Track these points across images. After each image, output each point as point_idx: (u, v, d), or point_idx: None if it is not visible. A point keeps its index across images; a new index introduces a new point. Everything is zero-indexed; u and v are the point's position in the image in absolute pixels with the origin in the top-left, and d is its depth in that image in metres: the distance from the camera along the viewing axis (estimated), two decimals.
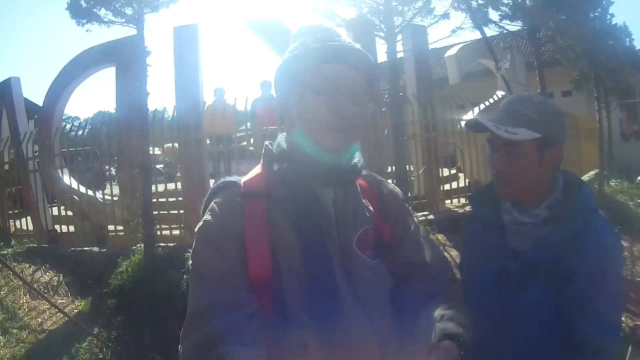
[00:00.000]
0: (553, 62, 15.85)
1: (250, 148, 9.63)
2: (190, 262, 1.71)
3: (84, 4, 7.28)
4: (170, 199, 8.83)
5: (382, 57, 9.82)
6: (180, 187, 8.93)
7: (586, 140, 15.27)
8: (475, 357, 1.66)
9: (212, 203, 1.73)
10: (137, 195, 7.81)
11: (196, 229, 1.72)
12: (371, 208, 1.87)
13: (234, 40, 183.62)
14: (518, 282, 2.07)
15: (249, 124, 10.15)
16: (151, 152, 9.52)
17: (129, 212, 8.48)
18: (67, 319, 6.25)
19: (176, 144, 9.29)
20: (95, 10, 7.26)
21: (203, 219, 1.72)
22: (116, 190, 9.85)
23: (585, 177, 14.25)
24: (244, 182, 1.77)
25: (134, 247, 7.42)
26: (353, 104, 1.68)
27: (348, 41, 1.77)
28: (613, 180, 14.91)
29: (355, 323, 1.61)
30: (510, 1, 9.39)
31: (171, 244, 7.59)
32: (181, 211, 8.60)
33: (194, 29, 8.70)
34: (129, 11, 7.12)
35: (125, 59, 8.34)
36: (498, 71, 9.58)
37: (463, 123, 10.36)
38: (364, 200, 1.86)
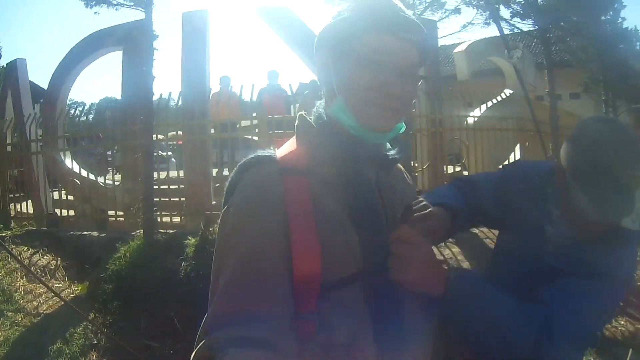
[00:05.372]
0: (562, 63, 15.78)
1: (254, 138, 9.59)
2: (217, 253, 1.45)
3: None
4: (172, 186, 8.79)
5: None
6: (182, 175, 8.91)
7: None
8: None
9: (244, 181, 1.47)
10: (138, 180, 7.72)
11: (224, 212, 1.48)
12: (408, 191, 1.78)
13: (243, 27, 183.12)
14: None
15: (254, 114, 10.04)
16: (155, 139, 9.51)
17: (130, 197, 8.42)
18: (63, 302, 6.19)
19: (180, 132, 9.27)
20: None
21: (233, 201, 1.45)
22: (118, 175, 9.83)
23: None
24: (280, 157, 1.49)
25: (133, 233, 7.36)
26: (401, 80, 1.45)
27: (403, 9, 1.49)
28: None
29: (410, 316, 1.51)
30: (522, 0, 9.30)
31: (171, 231, 7.55)
32: (182, 199, 8.55)
33: (204, 14, 8.67)
34: None
35: (133, 42, 8.28)
36: (510, 60, 9.46)
37: (469, 119, 10.34)
38: (402, 183, 1.76)
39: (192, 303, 5.85)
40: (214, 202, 8.26)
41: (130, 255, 6.68)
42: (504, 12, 9.82)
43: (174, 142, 13.07)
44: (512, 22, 9.96)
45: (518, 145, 11.67)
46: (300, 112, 1.65)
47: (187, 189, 8.50)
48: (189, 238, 6.74)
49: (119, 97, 9.67)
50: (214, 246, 5.02)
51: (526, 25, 10.22)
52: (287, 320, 1.31)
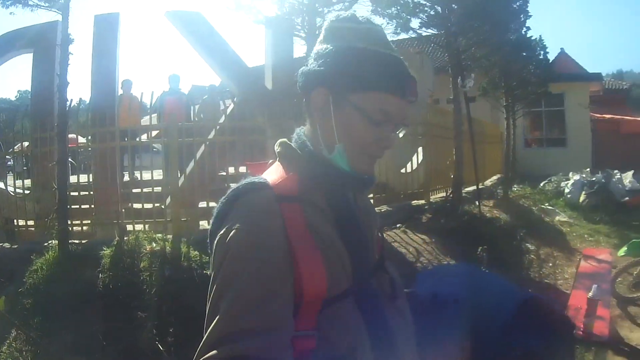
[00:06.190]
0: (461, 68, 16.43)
1: (156, 146, 9.49)
2: (218, 278, 1.41)
3: None
4: (81, 193, 8.60)
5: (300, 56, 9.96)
6: (84, 181, 8.74)
7: (491, 146, 15.83)
8: None
9: (242, 207, 1.49)
10: (51, 189, 7.43)
11: (222, 238, 1.45)
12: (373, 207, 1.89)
13: (154, 31, 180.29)
14: None
15: (152, 116, 9.93)
16: None
17: (40, 206, 8.15)
18: None
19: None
20: None
21: (234, 227, 1.43)
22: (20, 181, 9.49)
23: (488, 182, 14.83)
24: (273, 184, 1.52)
25: (46, 244, 7.09)
26: (395, 134, 1.63)
27: (408, 69, 1.62)
28: (515, 186, 15.55)
29: (398, 323, 1.62)
30: (432, 11, 9.57)
31: (83, 240, 7.40)
32: (92, 206, 8.37)
33: (115, 17, 8.52)
34: None
35: (45, 45, 8.06)
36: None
37: None
38: (367, 200, 1.87)
39: (114, 316, 5.77)
40: (123, 210, 8.15)
41: (47, 268, 6.46)
42: (414, 22, 10.08)
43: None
44: (419, 31, 10.19)
45: (420, 148, 11.99)
46: (282, 140, 1.71)
47: (97, 197, 8.33)
48: (104, 248, 6.61)
49: (13, 98, 9.34)
50: (129, 256, 4.97)
51: (432, 32, 10.53)
52: (290, 338, 1.35)
